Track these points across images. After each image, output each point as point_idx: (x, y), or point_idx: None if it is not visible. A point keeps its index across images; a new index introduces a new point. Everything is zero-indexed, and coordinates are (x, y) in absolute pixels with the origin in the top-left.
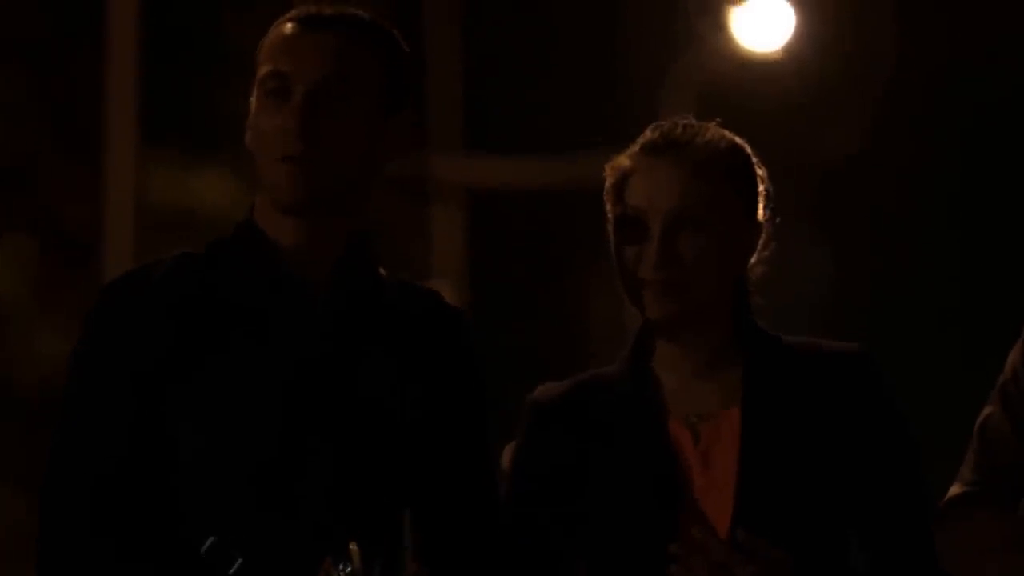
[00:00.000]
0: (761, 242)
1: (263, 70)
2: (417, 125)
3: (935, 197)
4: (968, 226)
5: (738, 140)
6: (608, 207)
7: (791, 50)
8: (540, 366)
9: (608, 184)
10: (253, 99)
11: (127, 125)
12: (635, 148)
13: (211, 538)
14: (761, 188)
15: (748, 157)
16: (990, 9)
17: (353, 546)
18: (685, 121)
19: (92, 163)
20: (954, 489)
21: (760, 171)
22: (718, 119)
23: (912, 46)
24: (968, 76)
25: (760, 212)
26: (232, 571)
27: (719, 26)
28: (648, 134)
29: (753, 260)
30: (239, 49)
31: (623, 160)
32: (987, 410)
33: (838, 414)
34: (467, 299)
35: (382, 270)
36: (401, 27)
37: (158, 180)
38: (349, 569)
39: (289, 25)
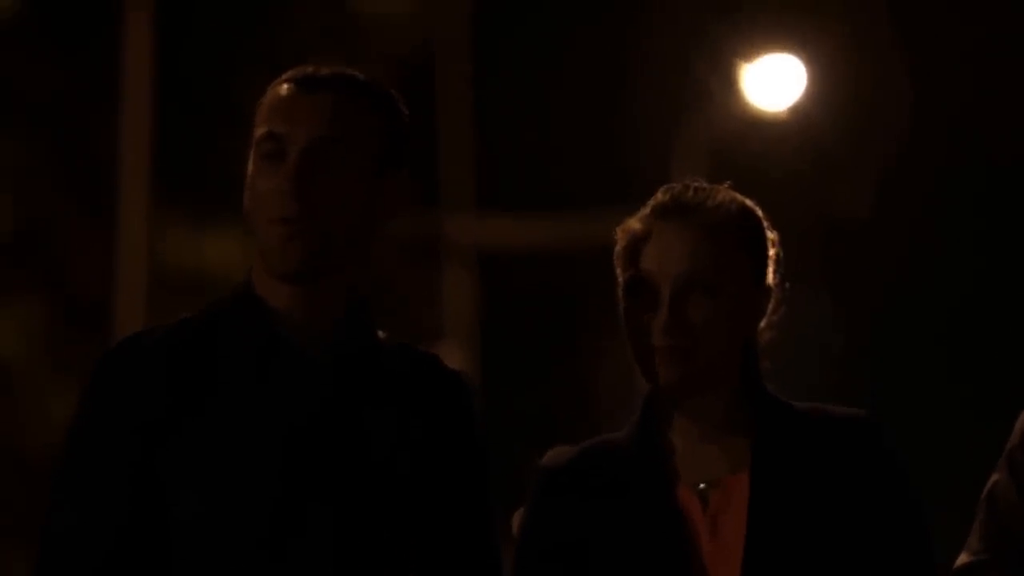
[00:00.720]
0: (771, 307)
1: (259, 132)
2: (426, 185)
3: (945, 258)
4: (977, 287)
5: (749, 203)
6: (618, 271)
7: (802, 109)
8: (550, 427)
9: (618, 248)
10: (250, 162)
11: (140, 187)
12: (645, 211)
13: None
14: (771, 252)
15: (759, 221)
16: (1003, 69)
17: None
18: (696, 184)
19: (104, 225)
20: (962, 558)
21: (771, 235)
22: (729, 182)
23: (923, 106)
24: (979, 135)
25: (770, 276)
26: None
27: (730, 84)
28: (659, 196)
29: (762, 325)
30: (252, 111)
31: (633, 223)
32: (994, 477)
33: (846, 481)
34: (477, 360)
35: (381, 332)
36: (413, 89)
37: (170, 242)
38: None
39: (285, 86)
